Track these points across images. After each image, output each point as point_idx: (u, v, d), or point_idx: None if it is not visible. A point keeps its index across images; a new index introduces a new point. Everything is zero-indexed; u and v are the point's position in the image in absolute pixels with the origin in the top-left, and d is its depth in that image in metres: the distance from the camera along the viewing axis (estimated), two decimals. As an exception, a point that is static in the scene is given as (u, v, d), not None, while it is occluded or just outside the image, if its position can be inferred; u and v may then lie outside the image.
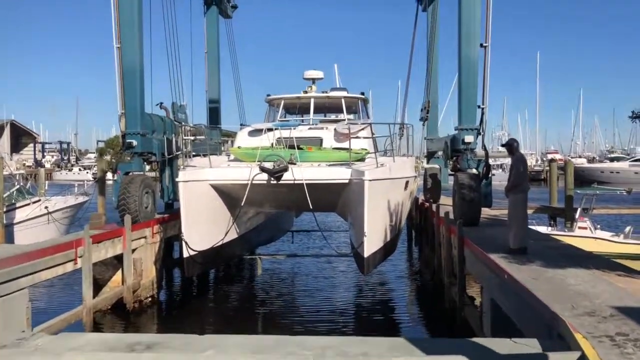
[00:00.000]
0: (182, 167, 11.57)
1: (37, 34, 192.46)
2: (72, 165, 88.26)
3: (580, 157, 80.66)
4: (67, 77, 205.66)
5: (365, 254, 10.16)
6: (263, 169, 10.58)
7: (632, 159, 63.54)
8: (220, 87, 20.47)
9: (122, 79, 13.20)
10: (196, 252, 10.88)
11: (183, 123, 14.83)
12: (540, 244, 9.78)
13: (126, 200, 12.52)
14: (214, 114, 20.25)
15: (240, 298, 13.94)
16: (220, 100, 20.51)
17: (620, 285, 6.40)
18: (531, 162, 72.82)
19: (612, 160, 70.84)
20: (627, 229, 18.70)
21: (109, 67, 14.88)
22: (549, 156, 79.06)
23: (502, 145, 10.47)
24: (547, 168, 58.69)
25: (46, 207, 20.12)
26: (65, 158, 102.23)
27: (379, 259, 11.49)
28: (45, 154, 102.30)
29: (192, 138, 13.12)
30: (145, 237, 12.75)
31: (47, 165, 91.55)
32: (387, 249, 12.03)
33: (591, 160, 77.01)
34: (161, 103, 15.79)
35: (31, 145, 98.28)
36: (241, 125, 18.78)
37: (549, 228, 19.77)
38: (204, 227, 11.24)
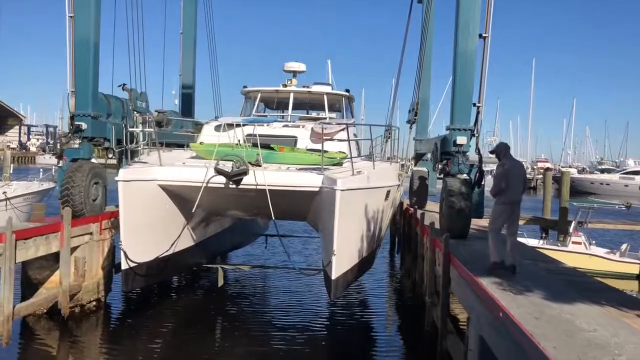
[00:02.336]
0: (128, 163, 9.97)
1: (27, 11, 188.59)
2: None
3: (570, 167, 79.87)
4: (56, 57, 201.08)
5: (333, 275, 8.71)
6: (219, 171, 9.07)
7: (623, 171, 62.77)
8: (196, 73, 18.92)
9: (74, 53, 11.67)
10: (137, 264, 9.38)
11: (141, 113, 13.18)
12: (538, 265, 8.45)
13: (70, 191, 10.99)
14: (187, 101, 18.68)
15: (201, 312, 12.24)
16: (195, 87, 18.97)
17: (647, 334, 5.03)
18: (521, 169, 71.80)
19: (602, 171, 70.06)
20: (624, 246, 17.56)
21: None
22: (539, 164, 78.35)
23: (491, 152, 9.33)
24: (539, 176, 58.11)
25: (4, 193, 18.61)
26: (51, 142, 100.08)
27: (350, 279, 10.04)
28: (30, 136, 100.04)
29: (142, 130, 11.44)
30: (90, 234, 11.21)
31: (33, 149, 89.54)
32: (362, 267, 10.60)
33: (581, 170, 76.17)
34: (124, 84, 14.29)
35: (17, 127, 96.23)
36: (216, 118, 17.33)
37: (541, 241, 18.61)
38: (150, 234, 9.72)
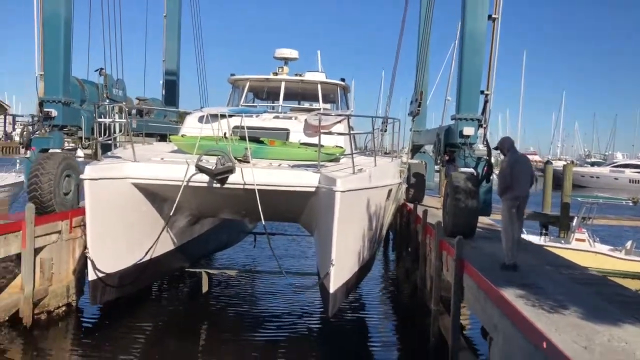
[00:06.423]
0: (98, 158, 8.85)
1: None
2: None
3: (559, 160, 79.62)
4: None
5: (332, 289, 7.70)
6: (200, 168, 7.97)
7: (613, 164, 62.51)
8: (180, 59, 17.74)
9: (43, 30, 10.53)
10: (106, 274, 8.29)
11: (116, 102, 12.03)
12: (562, 272, 7.50)
13: (39, 178, 9.79)
14: (171, 89, 17.53)
15: (183, 319, 11.13)
16: (179, 74, 17.80)
17: None
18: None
19: (592, 164, 69.78)
20: (629, 243, 16.80)
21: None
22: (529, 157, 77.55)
23: (494, 148, 9.04)
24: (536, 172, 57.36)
25: (-23, 186, 17.51)
26: (37, 132, 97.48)
27: (350, 288, 9.08)
28: (15, 127, 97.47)
29: (113, 120, 10.33)
30: (59, 232, 10.13)
31: (17, 139, 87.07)
32: (362, 273, 9.64)
33: (571, 163, 75.74)
34: (101, 69, 13.18)
35: (2, 117, 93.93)
36: (201, 108, 16.28)
37: (542, 238, 17.78)
38: (123, 239, 8.64)
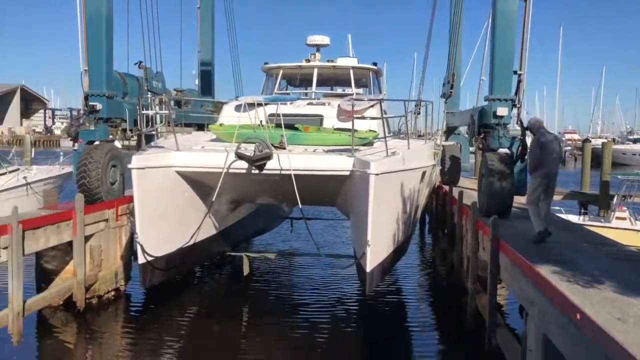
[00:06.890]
0: (143, 148, 9.28)
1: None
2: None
3: (600, 137, 77.40)
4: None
5: (368, 268, 7.92)
6: (240, 156, 8.29)
7: (658, 141, 60.49)
8: (214, 49, 18.09)
9: (86, 28, 10.97)
10: (155, 258, 8.68)
11: (156, 94, 12.42)
12: (600, 249, 7.53)
13: (87, 167, 10.23)
14: (207, 79, 17.93)
15: (226, 301, 11.55)
16: (214, 64, 18.15)
17: None
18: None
19: (634, 142, 67.66)
20: (672, 221, 16.43)
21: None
22: (567, 136, 75.87)
23: (525, 129, 9.70)
24: (567, 148, 56.04)
25: (25, 178, 18.21)
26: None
27: (386, 269, 9.26)
28: (55, 120, 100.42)
29: (156, 112, 10.71)
30: (106, 220, 10.61)
31: (57, 132, 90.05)
32: (397, 254, 9.80)
33: (611, 141, 73.48)
34: (140, 62, 13.61)
35: (42, 111, 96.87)
36: (236, 97, 16.62)
37: (581, 217, 17.60)
38: (169, 225, 9.01)
